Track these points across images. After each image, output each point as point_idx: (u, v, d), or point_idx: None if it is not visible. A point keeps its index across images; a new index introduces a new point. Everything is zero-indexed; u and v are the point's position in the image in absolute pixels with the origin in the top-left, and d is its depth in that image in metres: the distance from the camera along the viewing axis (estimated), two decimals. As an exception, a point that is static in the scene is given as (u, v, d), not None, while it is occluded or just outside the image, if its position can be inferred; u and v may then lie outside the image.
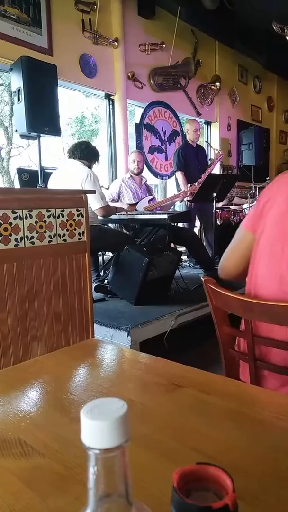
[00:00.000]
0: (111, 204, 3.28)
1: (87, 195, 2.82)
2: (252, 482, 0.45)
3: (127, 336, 2.28)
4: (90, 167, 3.04)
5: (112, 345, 0.98)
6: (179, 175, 4.41)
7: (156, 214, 3.38)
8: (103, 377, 0.79)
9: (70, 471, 0.48)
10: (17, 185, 3.38)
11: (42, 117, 2.97)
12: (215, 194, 3.49)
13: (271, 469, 0.49)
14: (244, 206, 4.93)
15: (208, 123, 6.20)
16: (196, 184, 3.93)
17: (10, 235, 1.54)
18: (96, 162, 3.15)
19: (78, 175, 2.84)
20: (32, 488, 0.46)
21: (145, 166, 4.26)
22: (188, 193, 3.88)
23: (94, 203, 2.91)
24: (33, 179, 3.26)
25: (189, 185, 4.07)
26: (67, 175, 2.90)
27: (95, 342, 0.97)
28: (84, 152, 3.03)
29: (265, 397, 0.72)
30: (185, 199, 4.15)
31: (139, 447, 0.51)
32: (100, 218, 3.12)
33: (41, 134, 3.05)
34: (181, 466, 0.30)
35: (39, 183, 3.13)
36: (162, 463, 0.50)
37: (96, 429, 0.24)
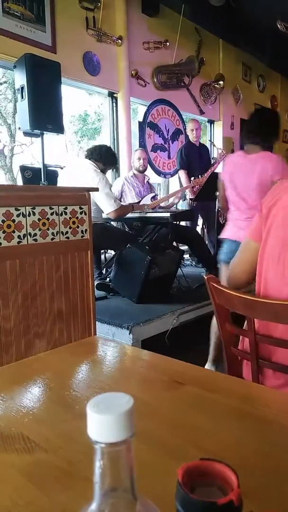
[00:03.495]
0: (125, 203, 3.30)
1: (99, 200, 2.86)
2: (254, 479, 0.45)
3: (129, 334, 2.28)
4: (103, 171, 3.04)
5: (114, 343, 0.98)
6: (181, 173, 4.40)
7: (158, 212, 3.37)
8: (106, 374, 0.79)
9: (73, 466, 0.49)
10: (20, 182, 3.38)
11: (46, 115, 2.97)
12: (217, 193, 3.48)
13: (273, 466, 0.49)
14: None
15: (211, 122, 6.18)
16: (200, 177, 3.91)
17: (13, 232, 1.54)
18: (113, 169, 3.17)
19: (89, 177, 2.88)
20: (35, 483, 0.46)
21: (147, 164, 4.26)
22: (192, 186, 3.87)
23: (106, 207, 2.91)
24: (36, 176, 3.26)
25: (193, 178, 4.05)
26: (78, 175, 2.93)
27: (97, 340, 0.97)
28: (103, 156, 3.06)
29: (267, 395, 0.72)
30: (188, 197, 4.14)
31: (142, 443, 0.51)
32: (105, 216, 3.12)
33: (44, 132, 3.05)
34: (183, 463, 0.30)
35: (42, 180, 3.12)
36: (164, 460, 0.50)
37: (103, 423, 0.24)
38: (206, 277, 1.14)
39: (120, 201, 3.73)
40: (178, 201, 4.05)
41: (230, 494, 0.26)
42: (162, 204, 3.82)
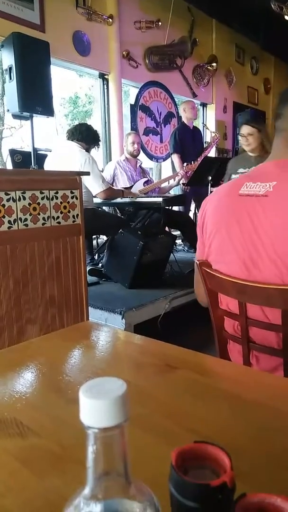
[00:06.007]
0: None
1: (87, 181, 2.81)
2: (245, 461, 0.46)
3: (122, 319, 2.29)
4: (88, 150, 2.99)
5: (107, 327, 0.98)
6: (175, 157, 4.36)
7: (151, 197, 3.35)
8: (98, 359, 0.79)
9: (67, 450, 0.49)
10: (9, 166, 3.32)
11: (35, 97, 2.90)
12: (210, 178, 3.46)
13: (263, 448, 0.49)
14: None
15: (204, 105, 6.11)
16: (193, 163, 3.88)
17: (3, 217, 1.52)
18: (96, 147, 3.11)
19: (76, 159, 2.80)
20: (29, 467, 0.46)
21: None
22: (183, 172, 3.84)
23: (95, 187, 2.87)
24: (25, 160, 3.20)
25: (185, 164, 4.02)
26: (64, 158, 2.86)
27: (90, 325, 0.97)
28: (84, 134, 2.98)
29: (258, 378, 0.73)
30: (181, 182, 4.11)
31: (135, 427, 0.51)
32: (96, 200, 3.09)
33: (34, 114, 2.98)
34: (176, 446, 0.30)
35: (32, 164, 3.07)
36: (157, 444, 0.50)
37: (95, 408, 0.24)
38: (198, 262, 1.14)
39: (112, 185, 3.69)
40: (176, 184, 4.01)
41: (223, 476, 0.26)
42: (160, 186, 3.79)
